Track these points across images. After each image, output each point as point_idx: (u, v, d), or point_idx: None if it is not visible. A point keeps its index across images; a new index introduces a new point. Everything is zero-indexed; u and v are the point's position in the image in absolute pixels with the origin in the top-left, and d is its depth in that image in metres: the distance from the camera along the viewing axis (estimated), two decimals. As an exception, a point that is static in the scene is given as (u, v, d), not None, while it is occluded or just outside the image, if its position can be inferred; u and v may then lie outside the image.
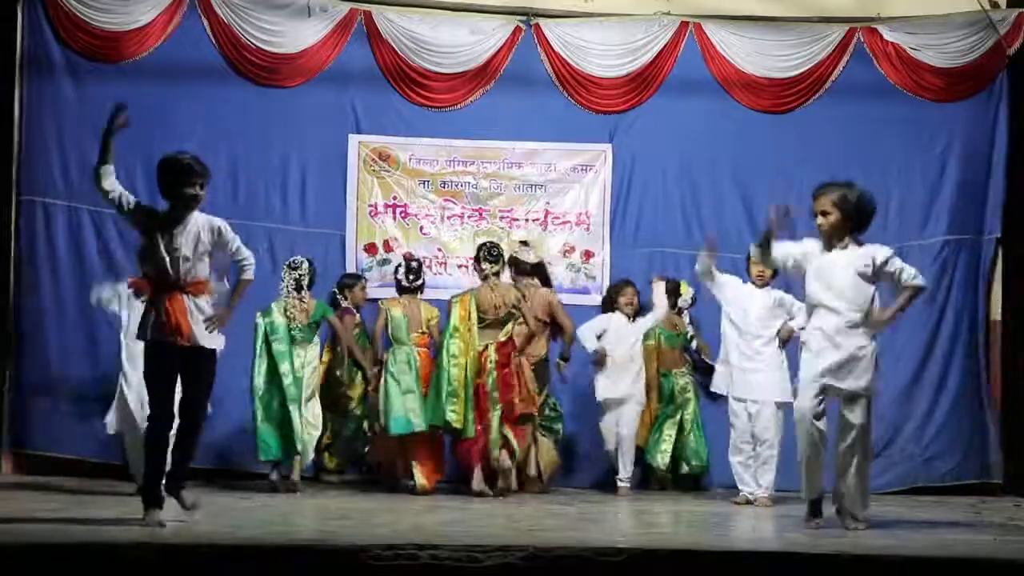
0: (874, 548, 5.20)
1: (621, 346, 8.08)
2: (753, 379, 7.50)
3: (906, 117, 8.79)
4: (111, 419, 7.34)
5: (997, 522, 6.68)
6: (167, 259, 5.58)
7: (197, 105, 8.62)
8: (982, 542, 5.59)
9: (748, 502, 7.46)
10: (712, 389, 8.02)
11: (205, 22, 8.64)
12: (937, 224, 8.74)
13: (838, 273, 5.88)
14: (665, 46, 8.84)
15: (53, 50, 8.53)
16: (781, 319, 7.57)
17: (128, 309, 7.16)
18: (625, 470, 8.08)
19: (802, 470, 5.96)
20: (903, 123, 8.79)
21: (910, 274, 5.92)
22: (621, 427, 8.04)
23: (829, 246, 5.94)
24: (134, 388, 7.05)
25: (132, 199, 5.67)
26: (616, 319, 8.17)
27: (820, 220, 5.93)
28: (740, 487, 7.57)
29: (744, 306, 7.54)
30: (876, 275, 5.89)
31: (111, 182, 5.64)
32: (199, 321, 5.60)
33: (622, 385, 8.04)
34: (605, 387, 8.07)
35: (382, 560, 4.67)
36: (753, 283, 7.57)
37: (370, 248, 8.81)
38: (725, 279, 7.55)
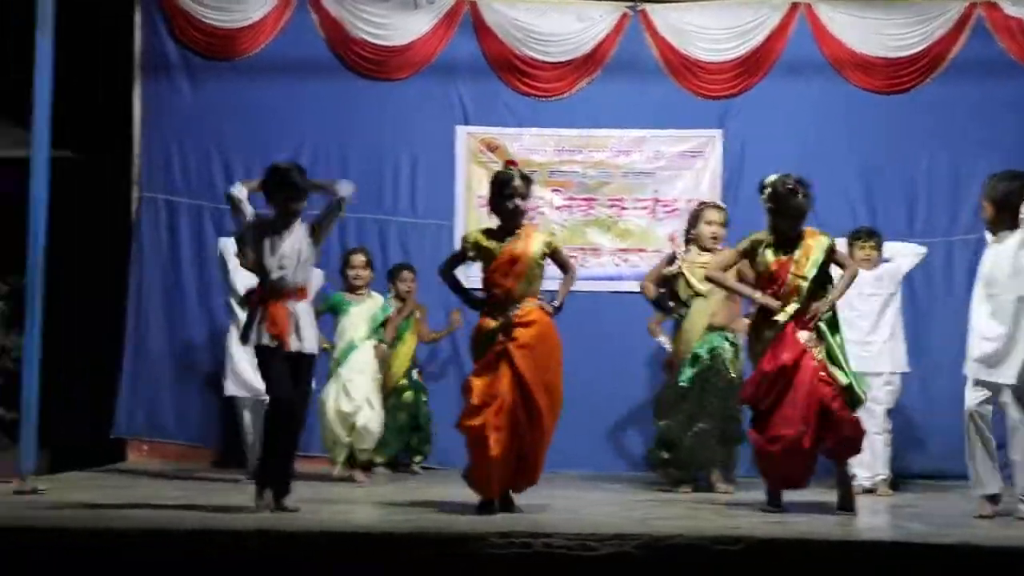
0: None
1: None
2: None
3: (1031, 96, 8.49)
4: (227, 382, 7.58)
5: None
6: (272, 266, 5.78)
7: (308, 100, 8.72)
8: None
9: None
10: None
11: (314, 17, 8.75)
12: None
13: (1005, 260, 5.98)
14: (775, 28, 8.65)
15: (169, 48, 8.72)
16: (885, 291, 7.44)
17: (234, 274, 7.37)
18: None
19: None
20: (1028, 102, 8.49)
21: None
22: None
23: (995, 234, 6.13)
24: (247, 350, 7.25)
25: (252, 211, 5.91)
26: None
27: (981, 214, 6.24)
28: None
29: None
30: None
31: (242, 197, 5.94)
32: (302, 327, 5.80)
33: None
34: None
35: (496, 548, 4.68)
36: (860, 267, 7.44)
37: (479, 238, 8.82)
38: None
